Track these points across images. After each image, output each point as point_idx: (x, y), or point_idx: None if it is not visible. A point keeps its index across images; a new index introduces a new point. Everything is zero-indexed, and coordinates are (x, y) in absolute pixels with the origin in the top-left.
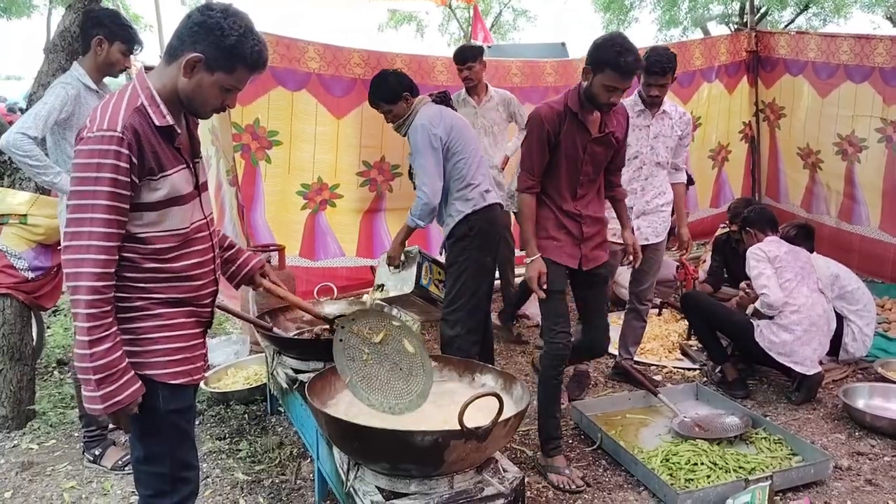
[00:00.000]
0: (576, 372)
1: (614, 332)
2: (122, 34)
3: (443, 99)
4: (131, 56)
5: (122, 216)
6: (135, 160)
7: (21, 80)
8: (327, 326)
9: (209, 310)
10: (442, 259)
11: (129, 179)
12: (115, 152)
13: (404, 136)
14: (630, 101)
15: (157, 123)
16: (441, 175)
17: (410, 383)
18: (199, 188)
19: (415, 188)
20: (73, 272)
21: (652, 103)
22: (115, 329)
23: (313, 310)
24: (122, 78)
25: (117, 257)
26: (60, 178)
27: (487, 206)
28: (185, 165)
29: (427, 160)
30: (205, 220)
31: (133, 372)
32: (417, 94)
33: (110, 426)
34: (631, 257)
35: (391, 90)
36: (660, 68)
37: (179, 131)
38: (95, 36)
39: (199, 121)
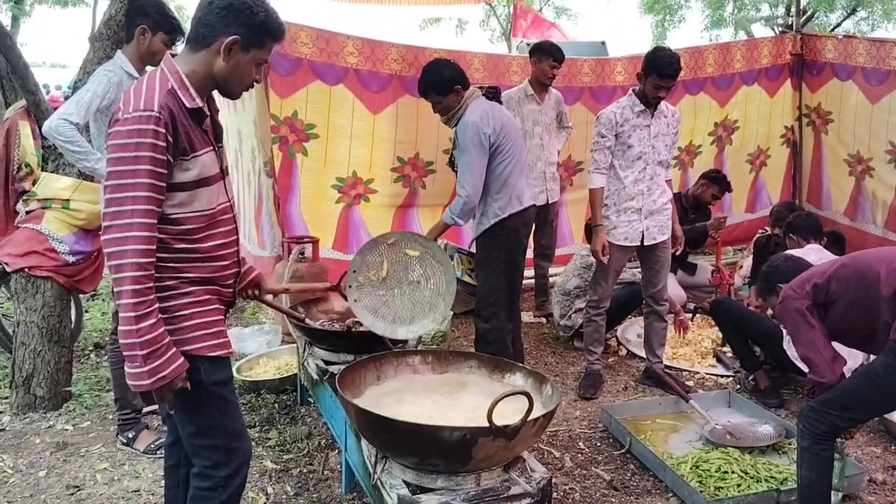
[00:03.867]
0: (588, 372)
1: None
2: (165, 24)
3: (494, 95)
4: (173, 46)
5: (160, 194)
6: (170, 139)
7: (66, 69)
8: (357, 320)
9: (231, 290)
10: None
11: (165, 158)
12: (154, 131)
13: (454, 128)
14: (627, 101)
15: (187, 105)
16: (483, 175)
17: (433, 283)
18: (224, 171)
19: (456, 178)
20: (117, 250)
21: (654, 104)
22: (157, 306)
23: (318, 286)
24: None
25: (156, 234)
26: (101, 164)
27: (523, 209)
28: (211, 147)
29: (474, 159)
30: (229, 203)
31: (175, 348)
32: (468, 86)
33: (144, 409)
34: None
35: (444, 81)
36: (672, 71)
37: (208, 113)
38: (139, 25)
39: (236, 110)
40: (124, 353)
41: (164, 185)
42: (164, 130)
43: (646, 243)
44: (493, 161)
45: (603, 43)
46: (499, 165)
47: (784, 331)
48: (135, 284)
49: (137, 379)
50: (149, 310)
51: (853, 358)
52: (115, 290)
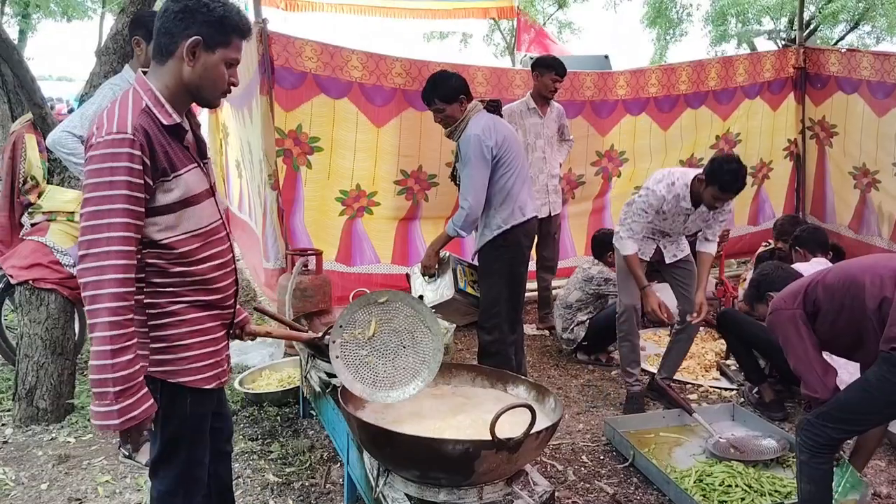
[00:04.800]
0: (630, 395)
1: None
2: (140, 23)
3: (495, 108)
4: None
5: (139, 220)
6: (147, 161)
7: (72, 82)
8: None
9: (231, 311)
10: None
11: (143, 181)
12: (128, 154)
13: (456, 140)
14: (682, 190)
15: (164, 123)
16: (486, 188)
17: (420, 350)
18: (212, 188)
19: (458, 190)
20: (93, 280)
21: (708, 207)
22: (135, 340)
23: (302, 336)
24: None
25: (136, 262)
26: None
27: (525, 220)
28: (195, 164)
29: (476, 171)
30: (220, 221)
31: (147, 388)
32: (472, 99)
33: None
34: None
35: (451, 90)
36: (737, 189)
37: (187, 129)
38: (134, 37)
39: (245, 124)
40: (94, 389)
41: (143, 209)
42: (139, 153)
43: (666, 261)
44: (495, 173)
45: (606, 57)
46: (501, 178)
47: None
48: (112, 316)
49: (104, 418)
50: (127, 343)
51: (847, 372)
52: (90, 321)
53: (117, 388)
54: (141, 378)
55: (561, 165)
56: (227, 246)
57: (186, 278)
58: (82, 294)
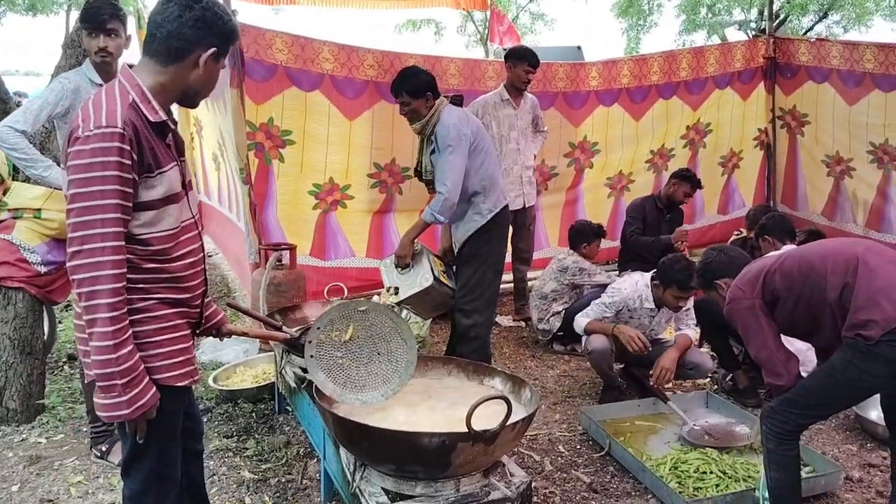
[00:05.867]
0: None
1: None
2: (83, 15)
3: (458, 103)
4: (104, 36)
5: (128, 215)
6: (135, 156)
7: (40, 77)
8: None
9: (199, 310)
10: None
11: (132, 177)
12: (119, 149)
13: (429, 135)
14: (646, 291)
15: (151, 119)
16: (463, 173)
17: (394, 359)
18: (186, 187)
19: (428, 187)
20: (88, 277)
21: (671, 309)
22: (132, 331)
23: (278, 336)
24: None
25: (126, 257)
26: (50, 172)
27: (506, 205)
28: (176, 163)
29: (455, 157)
30: (193, 220)
31: (148, 377)
32: (438, 96)
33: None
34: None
35: (421, 84)
36: (693, 285)
37: (172, 127)
38: (78, 28)
39: (219, 113)
40: (99, 384)
41: (131, 204)
42: (128, 147)
43: None
44: (476, 159)
45: (579, 48)
46: (483, 164)
47: None
48: (112, 311)
49: (114, 409)
50: (126, 336)
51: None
52: (88, 317)
53: (124, 380)
54: (142, 367)
55: (535, 157)
56: (199, 244)
57: (159, 275)
58: (76, 290)
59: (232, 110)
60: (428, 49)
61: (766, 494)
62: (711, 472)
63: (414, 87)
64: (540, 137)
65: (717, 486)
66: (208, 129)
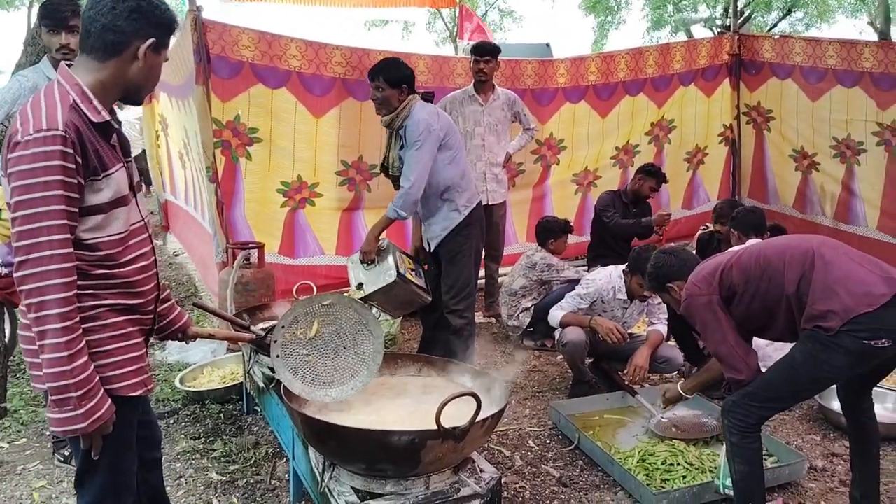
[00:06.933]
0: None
1: None
2: (42, 12)
3: (429, 100)
4: (65, 34)
5: (74, 221)
6: (79, 159)
7: (3, 74)
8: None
9: (151, 317)
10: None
11: (77, 180)
12: (61, 152)
13: (397, 128)
14: (619, 282)
15: (93, 120)
16: (429, 169)
17: (361, 352)
18: (134, 189)
19: (394, 183)
20: (37, 287)
21: (639, 299)
22: (85, 341)
23: (245, 337)
24: None
25: (75, 264)
26: None
27: (479, 201)
28: (122, 164)
29: (424, 153)
30: (143, 223)
31: (103, 388)
32: (413, 92)
33: None
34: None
35: (400, 75)
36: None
37: (117, 126)
38: (38, 24)
39: (185, 111)
40: (53, 397)
41: (77, 210)
42: (71, 150)
43: None
44: (447, 157)
45: (548, 45)
46: (455, 160)
47: None
48: (64, 321)
49: (69, 423)
50: (80, 346)
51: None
52: (38, 329)
53: (80, 392)
54: (97, 378)
55: (512, 154)
56: (150, 248)
57: (108, 280)
58: (24, 301)
59: (198, 108)
60: (396, 46)
61: (727, 482)
62: (678, 464)
63: (393, 76)
64: (526, 135)
65: (684, 477)
66: (174, 128)
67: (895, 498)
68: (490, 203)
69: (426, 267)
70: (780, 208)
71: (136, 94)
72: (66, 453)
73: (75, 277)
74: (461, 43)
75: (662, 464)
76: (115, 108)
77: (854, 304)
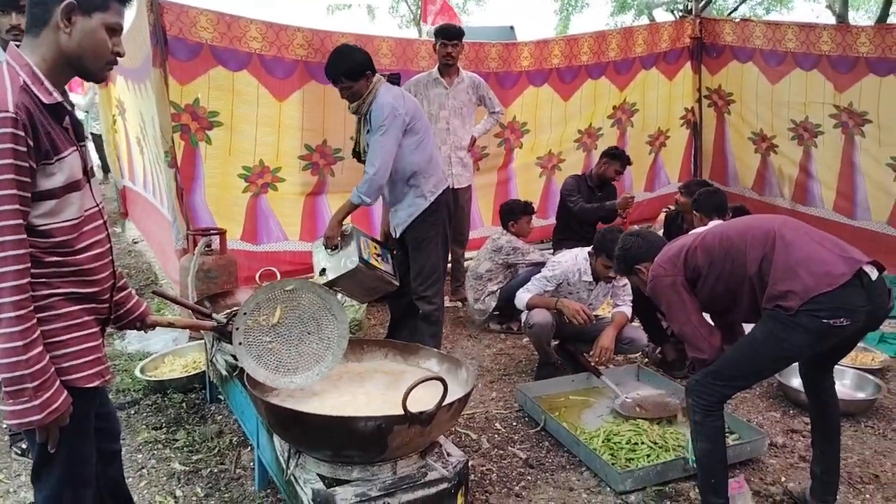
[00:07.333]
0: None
1: None
2: None
3: (395, 82)
4: (16, 14)
5: (27, 206)
6: (31, 142)
7: None
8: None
9: (107, 306)
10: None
11: (28, 164)
12: (12, 135)
13: (363, 114)
14: (585, 264)
15: (44, 101)
16: (394, 155)
17: (325, 336)
18: (88, 173)
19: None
20: None
21: (604, 280)
22: (40, 330)
23: (205, 325)
24: None
25: (28, 251)
26: None
27: (447, 186)
28: (75, 147)
29: (388, 139)
30: (97, 209)
31: (59, 379)
32: (375, 73)
33: None
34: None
35: (357, 65)
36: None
37: (69, 109)
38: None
39: (142, 95)
40: (7, 389)
41: (29, 194)
42: (23, 133)
43: None
44: (413, 141)
45: (512, 28)
46: (421, 144)
47: None
48: (18, 310)
49: (25, 415)
50: (35, 335)
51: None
52: None
53: (35, 383)
54: (53, 368)
55: (476, 137)
56: (105, 235)
57: (62, 268)
58: None
59: (155, 91)
60: (359, 28)
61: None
62: (643, 443)
63: (352, 68)
64: (492, 119)
65: (649, 456)
66: (131, 112)
67: (853, 472)
68: (456, 187)
69: (395, 252)
70: (739, 190)
71: (81, 66)
72: (24, 446)
73: (29, 265)
74: (425, 26)
75: (627, 443)
76: (68, 90)
77: (814, 283)
